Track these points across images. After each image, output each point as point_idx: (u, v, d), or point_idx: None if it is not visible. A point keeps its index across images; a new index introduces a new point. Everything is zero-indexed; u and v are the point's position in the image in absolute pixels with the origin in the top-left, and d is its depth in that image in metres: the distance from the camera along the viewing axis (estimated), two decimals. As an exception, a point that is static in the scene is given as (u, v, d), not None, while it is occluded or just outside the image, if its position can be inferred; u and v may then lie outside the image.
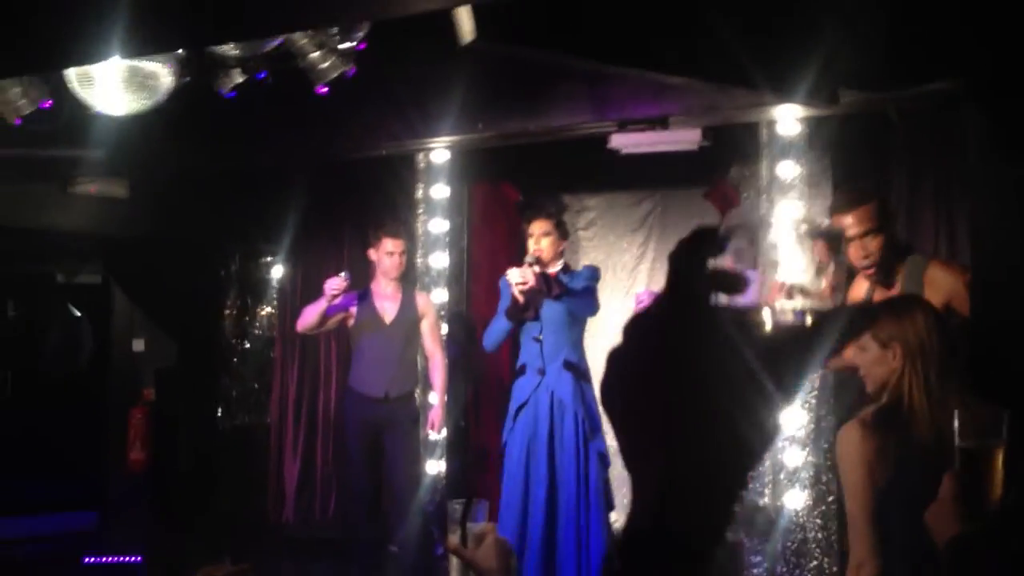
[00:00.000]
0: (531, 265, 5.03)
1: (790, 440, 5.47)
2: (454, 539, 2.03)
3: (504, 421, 5.31)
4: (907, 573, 2.50)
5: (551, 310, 5.08)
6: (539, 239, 5.17)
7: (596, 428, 5.12)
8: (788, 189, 5.49)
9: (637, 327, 0.81)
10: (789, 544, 5.46)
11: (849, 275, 3.90)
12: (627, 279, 7.19)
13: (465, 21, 2.87)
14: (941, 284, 3.31)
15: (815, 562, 5.37)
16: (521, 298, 5.03)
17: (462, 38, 2.91)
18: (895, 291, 3.51)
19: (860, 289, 3.80)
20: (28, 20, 3.03)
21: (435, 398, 5.77)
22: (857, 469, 2.54)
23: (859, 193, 3.53)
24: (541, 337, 5.14)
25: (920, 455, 2.47)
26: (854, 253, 3.49)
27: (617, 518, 6.93)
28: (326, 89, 4.16)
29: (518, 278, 4.93)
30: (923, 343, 2.55)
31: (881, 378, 2.64)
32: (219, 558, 2.10)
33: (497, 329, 5.23)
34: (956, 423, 1.92)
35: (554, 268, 5.23)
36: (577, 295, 5.09)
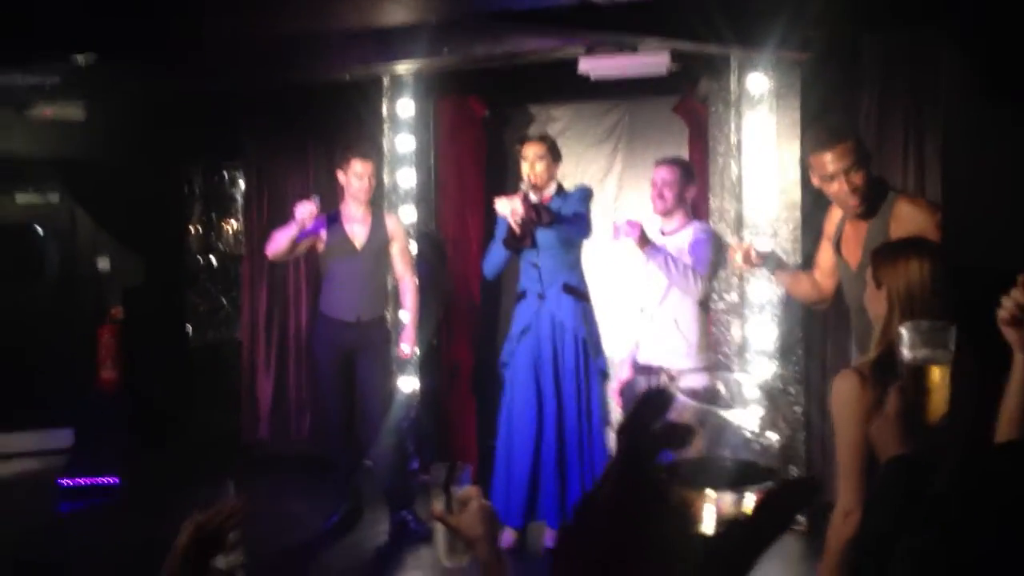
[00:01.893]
0: (524, 193, 4.97)
1: (759, 353, 5.55)
2: (438, 505, 2.03)
3: (474, 338, 5.35)
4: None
5: (545, 236, 5.04)
6: (534, 163, 5.09)
7: (598, 347, 5.19)
8: (757, 102, 5.46)
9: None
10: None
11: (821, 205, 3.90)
12: (595, 190, 7.10)
13: None
14: (908, 219, 3.31)
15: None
16: (517, 228, 4.98)
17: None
18: (866, 224, 3.51)
19: (832, 221, 3.80)
20: None
21: (407, 318, 5.77)
22: (852, 422, 2.53)
23: (837, 129, 3.48)
24: (538, 262, 5.12)
25: (914, 407, 2.48)
26: (839, 189, 3.47)
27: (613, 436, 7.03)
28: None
29: (506, 208, 4.88)
30: (912, 291, 2.53)
31: (877, 316, 2.64)
32: (220, 485, 2.00)
33: (496, 257, 5.21)
34: (904, 335, 1.93)
35: (548, 191, 5.16)
36: (568, 221, 5.04)
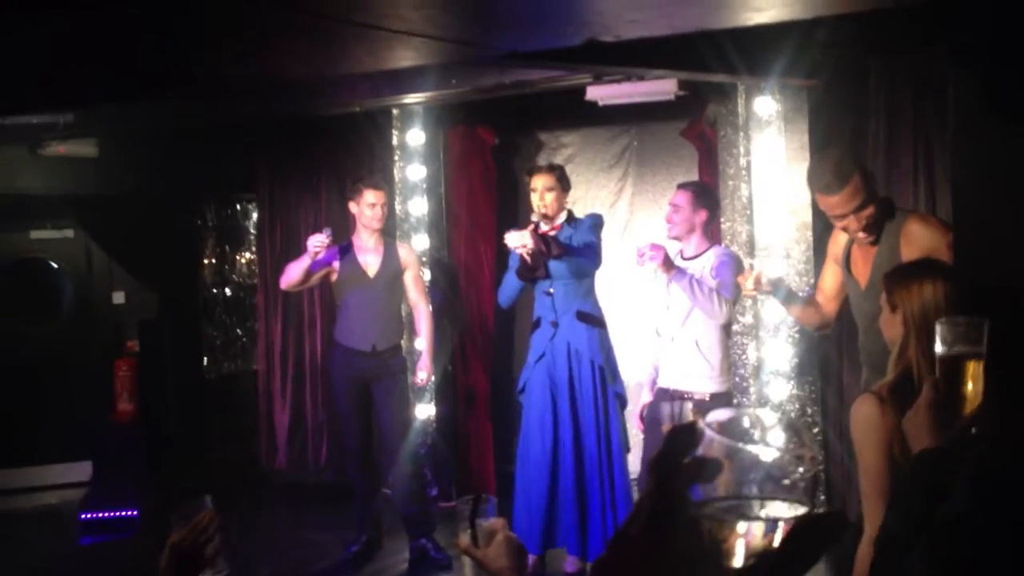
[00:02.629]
0: (534, 224, 5.00)
1: (775, 373, 5.56)
2: (464, 538, 2.06)
3: (490, 364, 5.39)
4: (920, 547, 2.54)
5: (557, 265, 5.07)
6: (543, 194, 5.11)
7: (615, 372, 5.22)
8: (765, 125, 5.48)
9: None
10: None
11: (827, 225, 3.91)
12: (607, 216, 7.14)
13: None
14: (918, 238, 3.31)
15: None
16: (529, 259, 5.00)
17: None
18: (876, 247, 3.51)
19: (837, 242, 3.81)
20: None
21: (422, 346, 5.80)
22: (873, 447, 2.51)
23: (839, 170, 3.43)
24: (552, 291, 5.15)
25: None
26: (849, 225, 3.47)
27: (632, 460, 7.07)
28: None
29: (517, 242, 4.92)
30: (928, 313, 2.52)
31: (893, 340, 2.64)
32: (197, 501, 2.08)
33: (510, 287, 5.24)
34: (938, 331, 1.95)
35: (559, 220, 5.18)
36: (578, 252, 5.07)
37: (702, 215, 4.88)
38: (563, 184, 5.21)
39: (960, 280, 2.70)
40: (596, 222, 5.27)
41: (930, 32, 3.22)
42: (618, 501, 5.09)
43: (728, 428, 0.96)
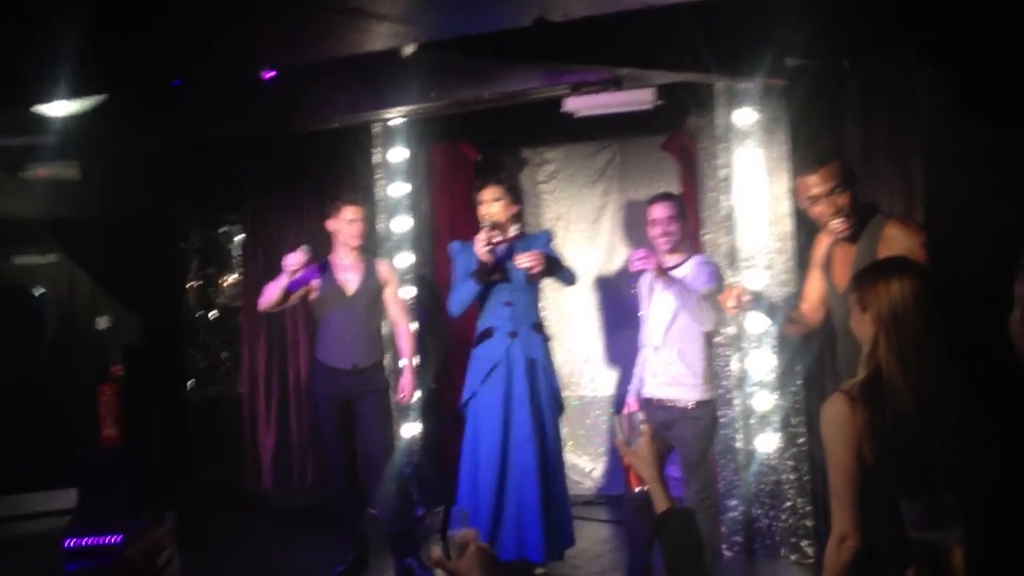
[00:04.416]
0: (489, 230, 5.12)
1: (759, 384, 5.54)
2: (436, 550, 2.05)
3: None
4: (890, 546, 2.53)
5: (520, 274, 5.16)
6: (489, 204, 5.26)
7: (557, 382, 5.45)
8: (745, 136, 5.50)
9: None
10: (763, 486, 5.56)
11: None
12: (589, 230, 7.20)
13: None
14: (896, 242, 3.30)
15: (788, 503, 5.48)
16: (488, 260, 5.11)
17: (403, 50, 2.86)
18: (854, 248, 3.50)
19: (820, 247, 3.80)
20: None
21: (403, 365, 5.77)
22: (843, 445, 2.52)
23: (821, 151, 3.48)
24: (512, 300, 5.27)
25: (904, 428, 2.48)
26: (823, 211, 3.47)
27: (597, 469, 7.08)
28: (272, 73, 4.10)
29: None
30: (896, 311, 2.53)
31: (863, 338, 2.64)
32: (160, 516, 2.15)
33: (465, 293, 5.26)
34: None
35: (511, 231, 5.32)
36: (566, 269, 5.34)
37: (692, 223, 4.94)
38: (511, 195, 5.37)
39: (932, 276, 2.70)
40: (551, 238, 5.47)
41: (897, 32, 3.22)
42: (562, 504, 5.30)
43: None
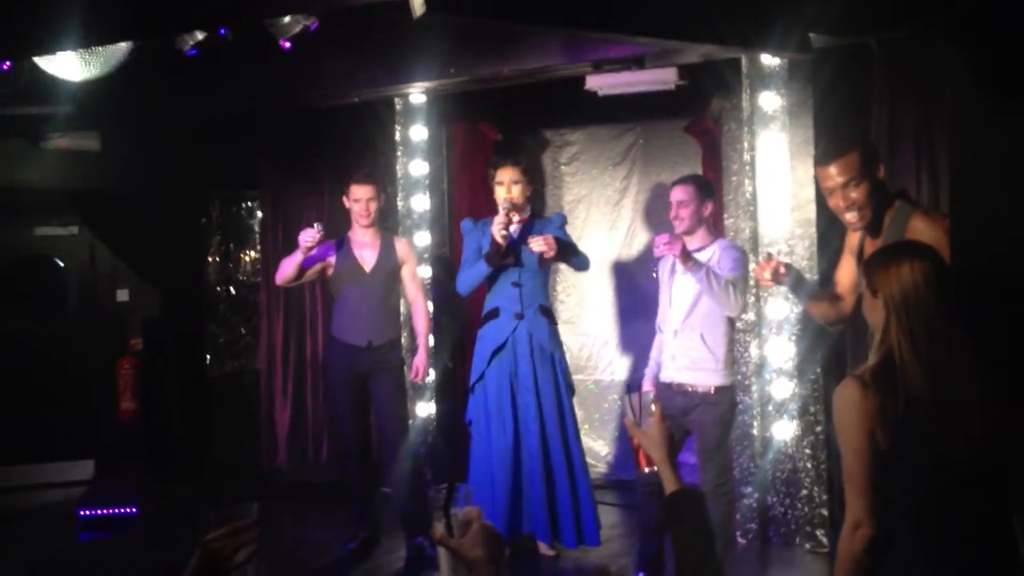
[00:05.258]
0: (508, 212, 5.06)
1: (777, 372, 5.49)
2: (439, 528, 2.02)
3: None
4: (906, 534, 2.48)
5: (531, 257, 5.12)
6: (509, 187, 5.20)
7: (567, 365, 5.42)
8: (770, 120, 5.43)
9: None
10: (779, 474, 5.51)
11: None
12: (611, 213, 7.15)
13: (414, -1, 2.76)
14: (923, 235, 3.23)
15: (804, 491, 5.43)
16: (503, 244, 5.05)
17: (413, 12, 2.81)
18: (881, 241, 3.44)
19: (852, 239, 3.74)
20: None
21: (419, 344, 5.76)
22: (856, 431, 2.47)
23: (841, 143, 3.40)
24: (521, 282, 5.23)
25: (918, 413, 2.43)
26: (837, 203, 3.42)
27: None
28: (289, 44, 4.07)
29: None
30: (907, 295, 2.48)
31: (876, 324, 2.60)
32: (242, 505, 2.04)
33: (475, 274, 5.24)
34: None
35: (524, 214, 5.28)
36: (579, 254, 5.31)
37: (708, 207, 4.84)
38: (528, 177, 5.29)
39: (945, 261, 2.65)
40: (565, 221, 5.43)
41: (925, 7, 3.15)
42: (580, 484, 5.26)
43: None
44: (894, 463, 2.45)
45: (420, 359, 5.67)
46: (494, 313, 5.29)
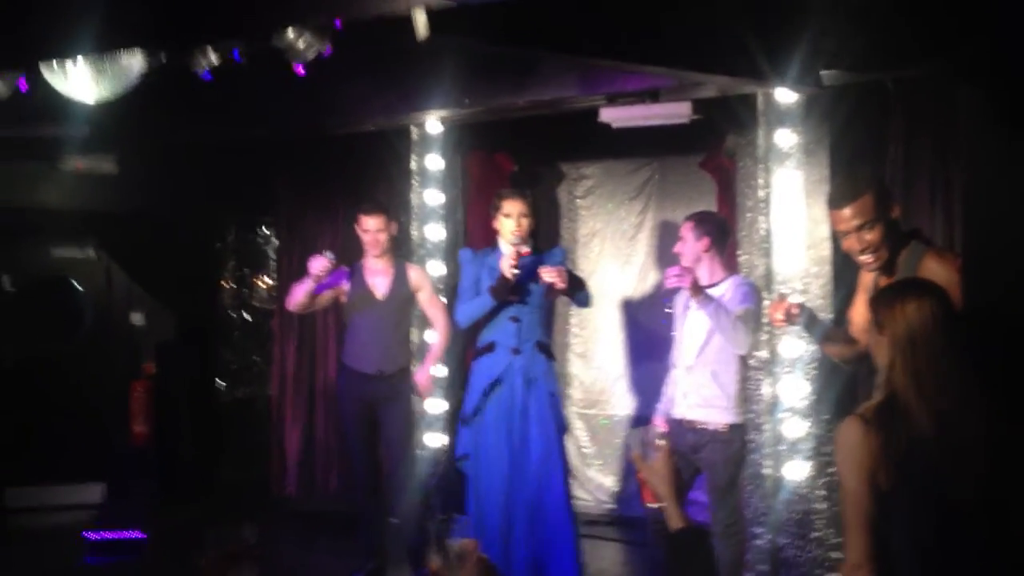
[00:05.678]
0: (518, 247, 4.99)
1: (791, 411, 5.43)
2: (436, 559, 2.00)
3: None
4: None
5: (533, 291, 5.08)
6: (519, 220, 5.09)
7: (561, 403, 5.31)
8: (785, 158, 5.39)
9: None
10: (791, 515, 5.44)
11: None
12: (626, 247, 7.14)
13: (419, 18, 2.76)
14: (935, 276, 3.21)
15: (817, 533, 5.35)
16: (513, 279, 4.97)
17: (418, 34, 2.81)
18: (890, 277, 3.42)
19: (867, 279, 3.72)
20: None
21: (426, 358, 5.72)
22: (856, 469, 2.45)
23: (855, 185, 3.38)
24: (520, 317, 5.13)
25: (921, 453, 2.39)
26: (851, 245, 3.40)
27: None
28: (304, 70, 4.09)
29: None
30: (913, 333, 2.46)
31: (881, 362, 2.57)
32: (239, 527, 2.03)
33: (477, 307, 5.15)
34: None
35: (527, 246, 5.14)
36: (584, 288, 5.24)
37: (704, 243, 4.84)
38: (532, 210, 5.21)
39: (967, 299, 2.63)
40: (566, 256, 5.40)
41: (942, 46, 3.14)
42: (569, 526, 5.08)
43: None
44: (896, 504, 2.41)
45: (423, 374, 5.63)
46: (490, 347, 5.19)
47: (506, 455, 5.09)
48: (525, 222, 5.10)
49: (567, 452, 5.31)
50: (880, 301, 2.62)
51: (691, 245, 4.80)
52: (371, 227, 5.51)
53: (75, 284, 7.70)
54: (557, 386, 5.28)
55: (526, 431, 5.09)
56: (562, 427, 5.24)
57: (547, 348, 5.25)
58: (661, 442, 2.49)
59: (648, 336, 6.91)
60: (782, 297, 3.92)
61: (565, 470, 5.18)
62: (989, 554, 2.35)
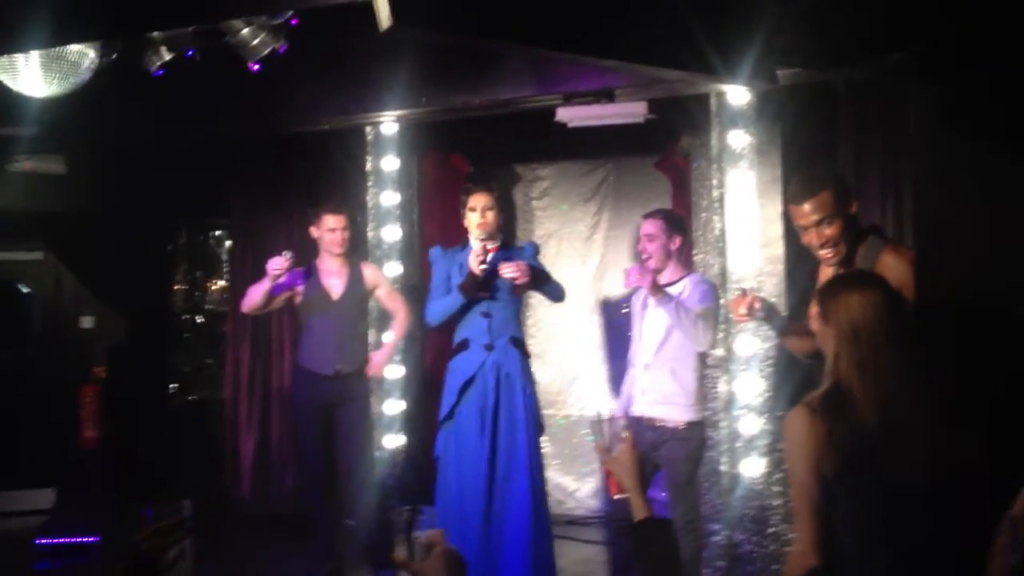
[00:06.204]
0: (485, 243, 4.97)
1: (746, 408, 5.48)
2: (401, 551, 1.99)
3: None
4: (854, 564, 2.47)
5: (503, 286, 5.03)
6: (484, 213, 5.05)
7: (536, 400, 5.21)
8: (738, 158, 5.45)
9: None
10: (747, 511, 5.48)
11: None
12: (582, 248, 7.16)
13: (381, 7, 2.74)
14: (892, 270, 3.26)
15: (773, 529, 5.40)
16: (481, 275, 4.94)
17: (380, 24, 2.80)
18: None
19: (824, 275, 3.76)
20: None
21: (388, 338, 5.74)
22: (803, 458, 2.48)
23: (815, 181, 3.43)
24: (491, 312, 5.09)
25: (865, 441, 2.43)
26: (811, 240, 3.45)
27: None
28: (258, 67, 4.06)
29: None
30: (856, 324, 2.50)
31: (827, 351, 2.61)
32: (171, 505, 2.05)
33: (447, 305, 5.10)
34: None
35: (496, 243, 5.14)
36: (553, 283, 5.16)
37: (676, 241, 4.87)
38: (500, 203, 5.18)
39: (919, 291, 2.67)
40: (538, 250, 5.32)
41: (890, 45, 3.20)
42: (539, 522, 5.02)
43: None
44: (842, 492, 2.45)
45: (380, 355, 5.62)
46: (463, 345, 5.15)
47: (479, 452, 5.04)
48: (490, 215, 5.06)
49: (540, 450, 5.21)
50: (825, 293, 2.66)
51: (663, 242, 4.82)
52: (336, 225, 5.51)
53: (20, 287, 7.57)
54: (532, 382, 5.20)
55: (499, 429, 5.04)
56: (539, 426, 5.17)
57: (521, 344, 5.19)
58: (625, 433, 2.51)
59: (605, 336, 6.95)
60: (744, 292, 3.96)
61: (540, 468, 5.12)
62: (932, 542, 2.38)
